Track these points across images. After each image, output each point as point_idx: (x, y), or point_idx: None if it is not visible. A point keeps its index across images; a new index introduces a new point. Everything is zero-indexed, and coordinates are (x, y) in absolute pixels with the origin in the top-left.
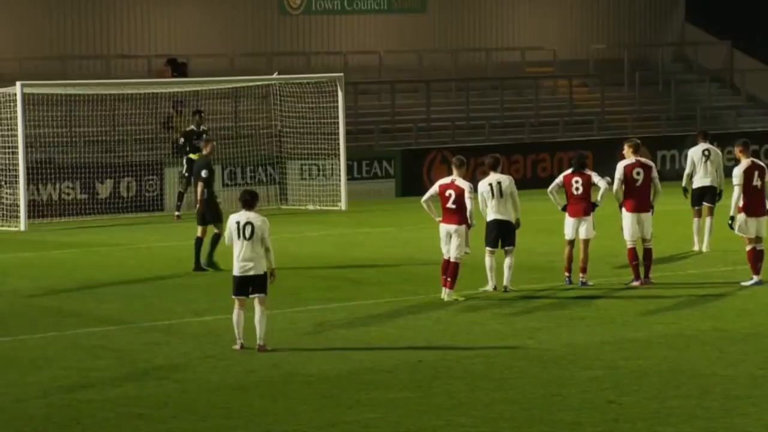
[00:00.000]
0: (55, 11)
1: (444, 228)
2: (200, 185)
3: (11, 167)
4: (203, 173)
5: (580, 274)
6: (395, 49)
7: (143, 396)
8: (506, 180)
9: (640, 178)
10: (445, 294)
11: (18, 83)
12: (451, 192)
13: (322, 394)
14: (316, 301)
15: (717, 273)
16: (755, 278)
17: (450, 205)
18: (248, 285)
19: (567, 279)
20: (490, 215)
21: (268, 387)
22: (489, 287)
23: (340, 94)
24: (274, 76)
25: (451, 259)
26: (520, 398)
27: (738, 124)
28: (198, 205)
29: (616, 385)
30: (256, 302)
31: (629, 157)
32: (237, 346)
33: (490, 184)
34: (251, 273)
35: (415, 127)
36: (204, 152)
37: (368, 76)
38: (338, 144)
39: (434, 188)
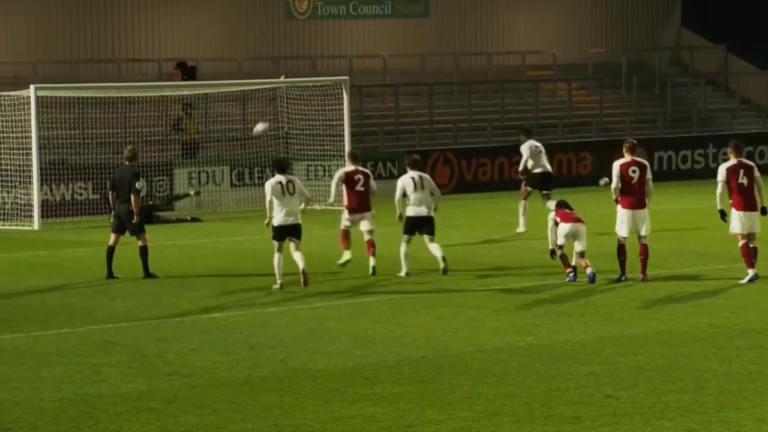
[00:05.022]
0: (69, 17)
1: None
2: (133, 197)
3: (25, 168)
4: (138, 185)
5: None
6: (399, 52)
7: (153, 390)
8: (426, 175)
9: (636, 176)
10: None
11: (32, 86)
12: (359, 177)
13: (327, 389)
14: (322, 298)
15: (712, 271)
16: (750, 273)
17: (359, 188)
18: (287, 232)
19: (571, 276)
20: (411, 210)
21: (274, 382)
22: (402, 273)
23: (345, 96)
24: (281, 79)
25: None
26: (521, 393)
27: (732, 126)
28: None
29: (613, 380)
30: (292, 246)
31: (626, 157)
32: (277, 286)
33: (412, 178)
34: (291, 222)
35: (418, 128)
36: (128, 163)
37: (373, 79)
38: (343, 145)
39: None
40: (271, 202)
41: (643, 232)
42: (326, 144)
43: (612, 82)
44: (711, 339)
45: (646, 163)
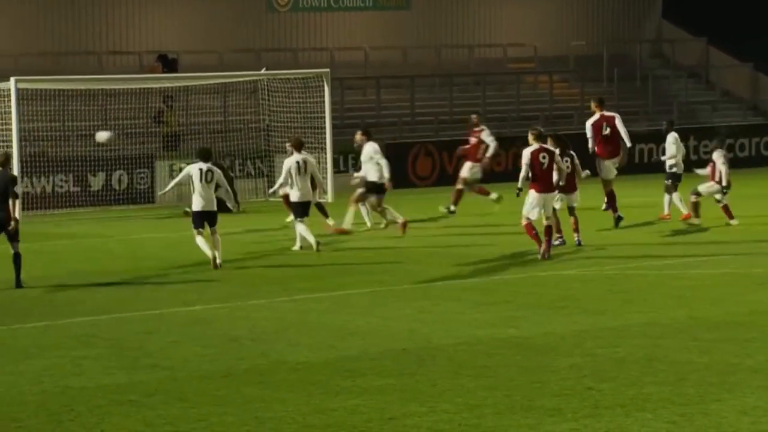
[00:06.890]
0: (50, 9)
1: None
2: (15, 203)
3: None
4: (17, 189)
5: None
6: (380, 45)
7: (134, 383)
8: (310, 158)
9: (546, 162)
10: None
11: (12, 78)
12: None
13: (308, 382)
14: (302, 291)
15: (692, 262)
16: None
17: None
18: (205, 219)
19: (560, 240)
20: (295, 194)
21: (256, 375)
22: (296, 247)
23: (326, 89)
24: (262, 71)
25: None
26: (502, 385)
27: (713, 118)
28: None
29: (594, 372)
30: (213, 232)
31: (532, 144)
32: (212, 266)
33: (297, 162)
34: (207, 209)
35: (399, 121)
36: (1, 168)
37: (354, 71)
38: (325, 138)
39: None
40: (179, 183)
41: (549, 213)
42: (307, 136)
43: (593, 74)
44: (691, 331)
45: (553, 149)
